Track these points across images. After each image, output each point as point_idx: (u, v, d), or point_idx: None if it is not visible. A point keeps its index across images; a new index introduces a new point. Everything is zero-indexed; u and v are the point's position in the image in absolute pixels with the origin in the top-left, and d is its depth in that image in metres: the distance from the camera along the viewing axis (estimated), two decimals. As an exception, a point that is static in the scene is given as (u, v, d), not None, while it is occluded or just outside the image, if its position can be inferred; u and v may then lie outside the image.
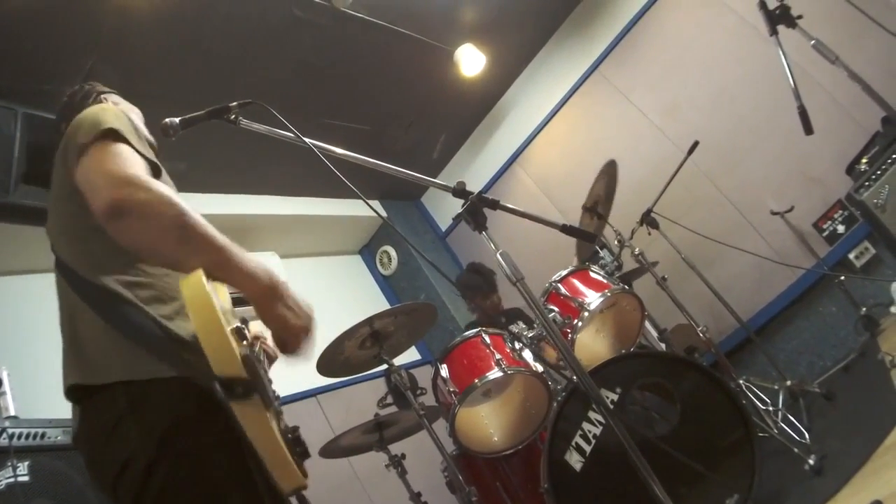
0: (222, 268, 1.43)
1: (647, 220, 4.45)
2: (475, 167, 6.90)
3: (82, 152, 1.54)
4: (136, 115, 2.14)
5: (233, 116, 2.05)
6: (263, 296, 1.46)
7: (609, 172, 4.11)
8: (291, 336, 1.50)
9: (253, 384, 1.28)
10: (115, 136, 1.57)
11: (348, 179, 1.94)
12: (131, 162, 1.52)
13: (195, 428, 1.42)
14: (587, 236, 2.64)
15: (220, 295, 1.43)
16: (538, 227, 2.18)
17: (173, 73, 4.11)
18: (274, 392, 1.52)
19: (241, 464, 1.35)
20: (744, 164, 5.16)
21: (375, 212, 1.94)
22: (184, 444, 1.41)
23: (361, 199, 1.92)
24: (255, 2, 4.03)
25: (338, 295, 6.31)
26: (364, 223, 6.65)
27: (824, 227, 4.78)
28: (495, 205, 2.07)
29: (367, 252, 7.09)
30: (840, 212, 4.71)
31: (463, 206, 2.05)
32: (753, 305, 5.07)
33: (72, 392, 1.52)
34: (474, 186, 6.36)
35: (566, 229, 2.12)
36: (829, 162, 4.69)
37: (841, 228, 4.72)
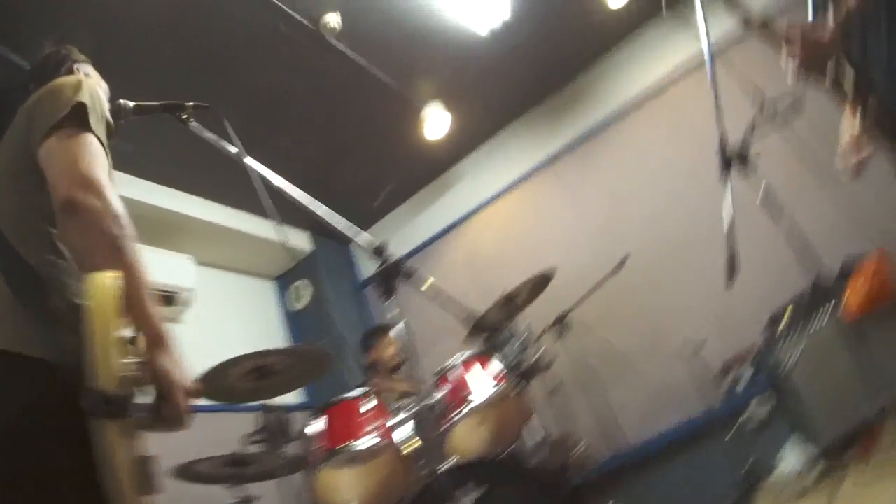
0: (136, 298, 1.44)
1: (560, 323, 4.45)
2: (411, 227, 6.85)
3: (54, 129, 1.56)
4: (103, 90, 2.08)
5: (185, 116, 2.10)
6: (159, 339, 1.48)
7: (542, 280, 4.12)
8: (170, 389, 1.47)
9: (123, 406, 1.27)
10: (85, 120, 1.58)
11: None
12: (97, 160, 1.56)
13: (50, 415, 1.37)
14: (489, 333, 2.66)
15: None
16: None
17: (145, 55, 4.08)
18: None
19: (87, 460, 1.27)
20: (668, 288, 5.25)
21: (290, 252, 1.90)
22: (33, 428, 1.36)
23: (283, 240, 1.90)
24: (245, 6, 4.07)
25: (241, 317, 6.14)
26: (287, 252, 6.49)
27: (732, 369, 4.84)
28: (409, 276, 2.05)
29: (283, 282, 6.87)
30: (750, 359, 4.76)
31: (378, 268, 2.01)
32: (645, 431, 5.08)
33: None
34: (406, 246, 6.33)
35: (470, 322, 2.12)
36: (751, 307, 4.67)
37: (747, 375, 4.77)
